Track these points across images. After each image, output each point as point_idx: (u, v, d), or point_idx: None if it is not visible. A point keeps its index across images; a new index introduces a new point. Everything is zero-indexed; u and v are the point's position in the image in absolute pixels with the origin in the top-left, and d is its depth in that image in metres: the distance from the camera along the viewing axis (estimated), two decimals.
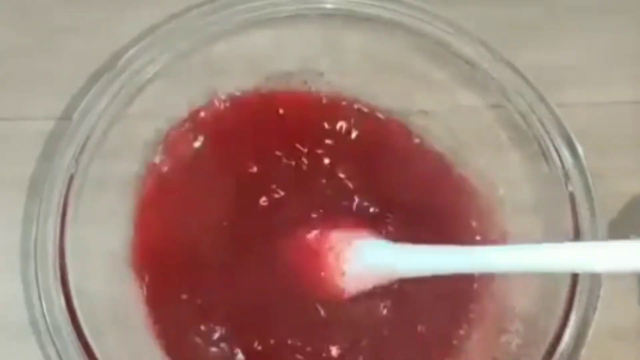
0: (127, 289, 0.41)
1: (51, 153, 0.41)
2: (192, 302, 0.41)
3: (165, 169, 0.44)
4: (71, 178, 0.40)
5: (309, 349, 0.41)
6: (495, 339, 0.41)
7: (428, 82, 0.45)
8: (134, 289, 0.42)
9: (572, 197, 0.40)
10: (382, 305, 0.42)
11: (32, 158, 0.45)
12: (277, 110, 0.45)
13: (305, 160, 0.44)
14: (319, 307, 0.41)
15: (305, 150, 0.44)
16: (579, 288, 0.38)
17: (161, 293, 0.42)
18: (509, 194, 0.43)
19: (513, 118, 0.42)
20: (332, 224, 0.42)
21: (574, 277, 0.39)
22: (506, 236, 0.43)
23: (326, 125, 0.45)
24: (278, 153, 0.44)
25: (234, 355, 0.41)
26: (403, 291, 0.41)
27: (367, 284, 0.41)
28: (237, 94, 0.45)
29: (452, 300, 0.42)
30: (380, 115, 0.46)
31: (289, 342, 0.41)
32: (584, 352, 0.38)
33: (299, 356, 0.41)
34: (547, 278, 0.40)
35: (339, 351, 0.41)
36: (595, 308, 0.38)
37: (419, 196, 0.44)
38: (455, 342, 0.42)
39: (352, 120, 0.45)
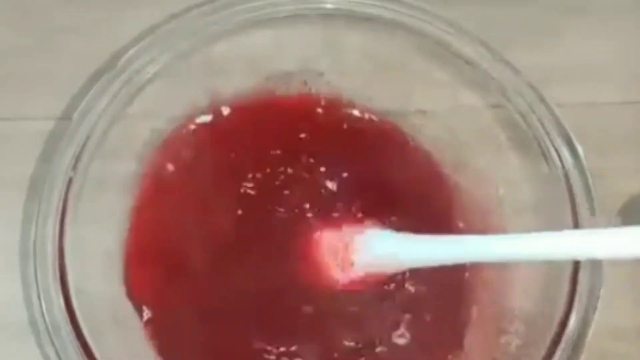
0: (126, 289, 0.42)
1: (51, 153, 0.41)
2: (188, 303, 0.41)
3: (164, 169, 0.44)
4: (71, 178, 0.40)
5: (309, 346, 0.41)
6: (495, 339, 0.41)
7: (428, 82, 0.45)
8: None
9: (572, 197, 0.40)
10: (386, 301, 0.42)
11: (32, 158, 0.45)
12: (276, 112, 0.45)
13: (306, 159, 0.44)
14: (322, 303, 0.41)
15: (305, 150, 0.45)
16: (579, 288, 0.38)
17: (157, 295, 0.41)
18: (509, 194, 0.43)
19: (513, 118, 0.42)
20: (335, 220, 0.43)
21: (574, 277, 0.39)
22: None
23: (325, 126, 0.45)
24: (277, 152, 0.44)
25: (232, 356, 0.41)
26: (406, 288, 0.42)
27: (375, 274, 0.41)
28: (237, 95, 0.45)
29: (451, 294, 0.42)
30: (374, 117, 0.46)
31: (291, 341, 0.41)
32: (584, 352, 0.38)
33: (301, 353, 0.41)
34: (547, 277, 0.40)
35: (342, 347, 0.41)
36: (595, 308, 0.38)
37: (412, 195, 0.44)
38: (457, 339, 0.42)
39: (350, 122, 0.46)
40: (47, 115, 0.46)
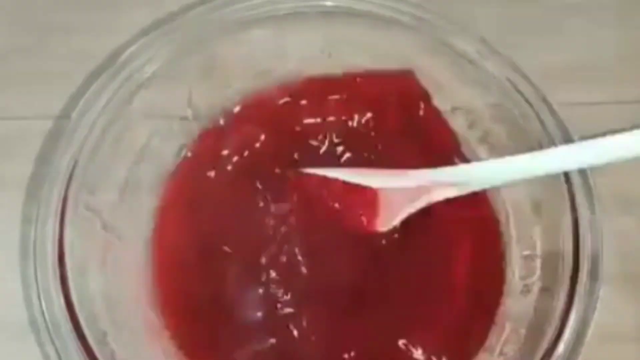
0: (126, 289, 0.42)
1: (50, 152, 0.41)
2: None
3: (183, 169, 0.44)
4: (70, 177, 0.40)
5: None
6: (496, 339, 0.41)
7: (428, 81, 0.45)
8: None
9: (572, 197, 0.40)
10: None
11: (32, 158, 0.45)
12: (279, 106, 0.45)
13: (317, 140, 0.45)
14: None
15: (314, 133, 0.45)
16: (578, 289, 0.38)
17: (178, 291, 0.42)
18: (509, 194, 0.43)
19: (513, 117, 0.42)
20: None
21: (574, 277, 0.39)
22: None
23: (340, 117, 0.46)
24: (313, 143, 0.45)
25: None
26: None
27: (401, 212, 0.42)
28: (237, 94, 0.45)
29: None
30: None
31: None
32: (583, 352, 0.38)
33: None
34: (547, 277, 0.40)
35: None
36: (594, 308, 0.38)
37: None
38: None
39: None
40: (47, 114, 0.46)
